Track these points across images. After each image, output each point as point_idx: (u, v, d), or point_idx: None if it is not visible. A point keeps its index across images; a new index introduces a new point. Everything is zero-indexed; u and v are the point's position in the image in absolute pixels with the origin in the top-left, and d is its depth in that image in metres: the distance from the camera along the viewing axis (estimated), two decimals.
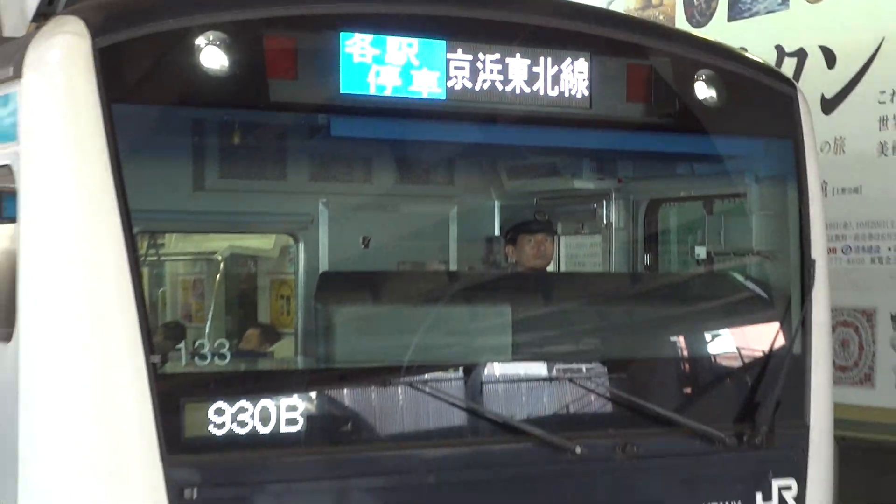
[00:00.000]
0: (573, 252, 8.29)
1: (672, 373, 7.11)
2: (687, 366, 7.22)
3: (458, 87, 6.21)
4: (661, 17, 12.42)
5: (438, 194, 8.05)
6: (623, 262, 8.19)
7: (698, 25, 12.09)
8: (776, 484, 6.82)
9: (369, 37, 6.03)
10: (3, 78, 5.96)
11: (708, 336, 7.34)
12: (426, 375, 6.21)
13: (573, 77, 6.48)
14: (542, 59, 6.40)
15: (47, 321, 5.61)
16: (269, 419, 5.72)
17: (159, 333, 5.78)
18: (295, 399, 5.82)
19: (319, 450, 5.89)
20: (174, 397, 5.54)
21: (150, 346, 5.48)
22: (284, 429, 5.75)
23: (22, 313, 5.69)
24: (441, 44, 6.18)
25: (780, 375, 6.85)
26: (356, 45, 6.01)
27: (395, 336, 6.59)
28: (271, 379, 6.05)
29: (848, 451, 9.48)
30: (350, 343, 6.67)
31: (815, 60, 11.23)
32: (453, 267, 8.00)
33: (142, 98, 5.70)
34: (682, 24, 12.18)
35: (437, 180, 7.90)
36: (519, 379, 6.54)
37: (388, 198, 7.94)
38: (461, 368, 6.38)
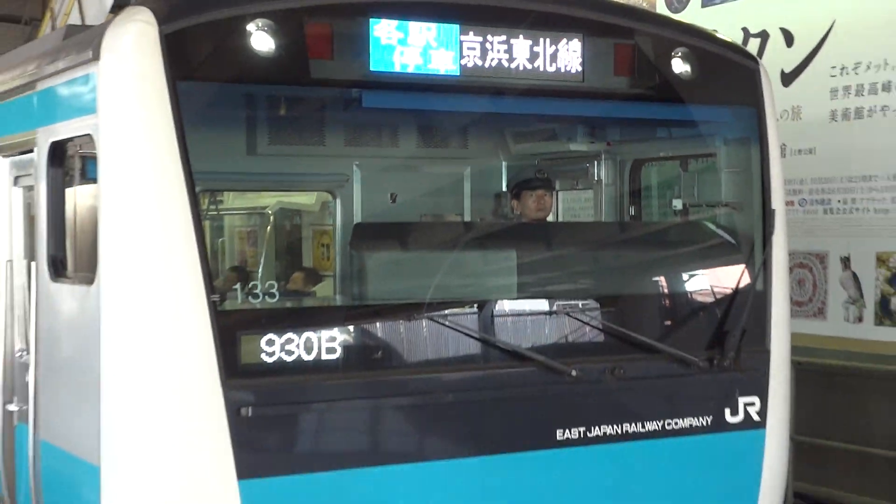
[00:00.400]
0: (569, 205, 8.28)
1: (653, 307, 7.11)
2: (666, 301, 7.22)
3: (469, 65, 6.19)
4: (643, 3, 12.36)
5: (454, 157, 8.03)
6: (611, 213, 8.17)
7: (676, 11, 12.03)
8: (742, 401, 6.83)
9: (394, 22, 6.00)
10: (84, 60, 5.96)
11: (683, 276, 7.34)
12: (444, 311, 6.21)
13: (568, 55, 6.45)
14: (541, 40, 6.37)
15: (123, 268, 5.62)
16: (311, 348, 5.74)
17: (219, 277, 5.78)
18: (333, 331, 5.83)
19: (354, 374, 5.91)
20: (231, 330, 5.56)
21: (210, 288, 5.50)
22: (325, 356, 5.77)
23: (102, 261, 5.70)
24: (455, 27, 6.15)
25: (745, 309, 6.85)
26: (383, 30, 5.99)
27: (418, 277, 6.60)
28: (314, 314, 6.05)
29: (802, 373, 9.48)
30: (380, 283, 6.68)
31: (776, 40, 11.17)
32: (467, 218, 8.00)
33: (202, 76, 5.70)
34: (662, 9, 12.15)
35: (453, 145, 7.89)
36: (523, 313, 6.54)
37: (412, 160, 7.94)
38: (474, 304, 6.38)
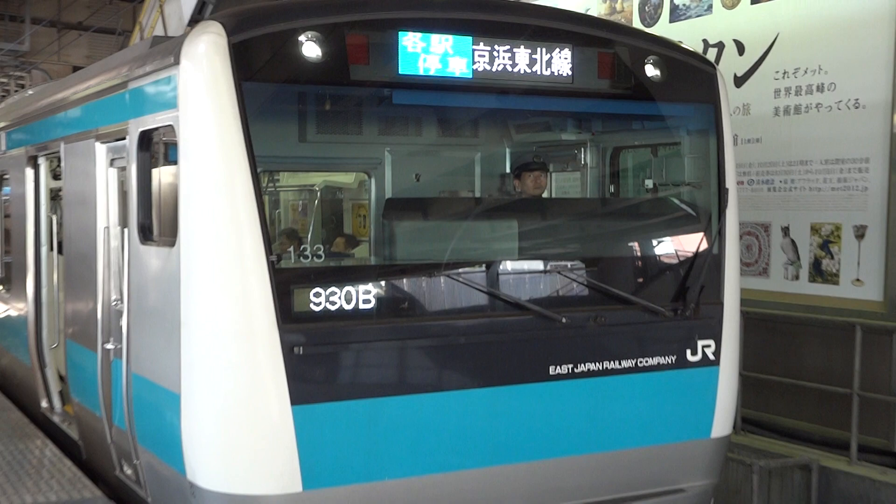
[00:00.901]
0: (561, 184, 8.25)
1: (628, 266, 7.12)
2: (638, 262, 7.22)
3: (480, 69, 6.17)
4: (622, 19, 12.27)
5: (467, 144, 8.02)
6: (595, 190, 8.15)
7: (649, 25, 11.94)
8: (700, 344, 6.84)
9: (419, 34, 5.99)
10: (167, 64, 6.01)
11: (653, 241, 7.33)
12: (459, 269, 6.23)
13: (560, 61, 6.43)
14: (538, 49, 6.36)
15: (198, 234, 5.68)
16: (350, 299, 5.77)
17: (276, 241, 5.82)
18: (368, 286, 5.86)
19: (385, 320, 5.94)
20: (286, 284, 5.60)
21: (269, 250, 5.54)
22: (361, 306, 5.80)
23: (182, 228, 5.77)
24: (469, 39, 6.14)
25: (703, 268, 6.87)
26: (410, 40, 5.98)
27: (437, 242, 6.62)
28: (352, 272, 6.08)
29: (749, 321, 9.48)
30: (406, 247, 6.70)
31: (730, 50, 11.11)
32: (477, 195, 7.98)
33: (262, 78, 5.71)
34: (637, 23, 12.06)
35: (466, 134, 7.88)
36: (522, 271, 6.56)
37: (432, 147, 7.93)
38: (483, 264, 6.38)
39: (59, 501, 6.78)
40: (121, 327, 6.85)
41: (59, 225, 8.99)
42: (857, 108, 9.89)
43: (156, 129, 6.33)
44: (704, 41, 11.30)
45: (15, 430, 8.79)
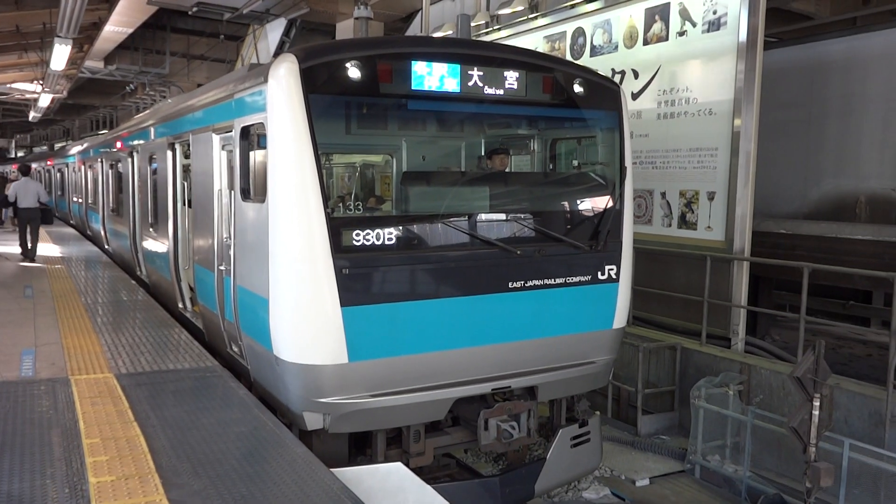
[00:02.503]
0: (517, 163, 8.14)
1: (560, 217, 7.03)
2: (568, 214, 7.12)
3: (465, 86, 6.08)
4: (559, 54, 12.08)
5: (456, 136, 7.90)
6: (540, 168, 8.04)
7: (576, 57, 11.76)
8: (607, 268, 6.82)
9: (425, 63, 5.89)
10: (259, 82, 5.92)
11: (577, 201, 7.24)
12: (451, 218, 6.16)
13: (517, 81, 6.33)
14: (503, 73, 6.25)
15: (281, 194, 5.61)
16: (379, 238, 5.73)
17: (330, 199, 5.77)
18: (390, 229, 5.81)
19: (402, 252, 5.87)
20: (337, 228, 5.56)
21: (326, 205, 5.51)
22: (386, 242, 5.76)
23: (269, 190, 5.70)
24: (457, 66, 6.04)
25: (610, 219, 6.82)
26: (419, 66, 5.88)
27: (436, 199, 6.53)
28: (380, 220, 6.01)
29: (639, 253, 9.45)
30: (416, 203, 6.62)
31: (629, 75, 10.97)
32: (463, 170, 7.87)
33: (321, 91, 5.59)
34: (569, 57, 11.86)
35: (455, 130, 7.76)
36: (492, 220, 6.48)
37: (433, 138, 7.81)
38: (466, 215, 6.30)
39: (191, 368, 6.79)
40: (230, 255, 6.80)
41: (189, 188, 8.91)
42: (710, 114, 9.82)
43: (252, 125, 6.23)
44: (612, 69, 11.16)
45: (161, 322, 8.79)
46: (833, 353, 11.50)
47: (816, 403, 6.02)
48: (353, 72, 5.62)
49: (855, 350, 12.09)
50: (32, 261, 13.94)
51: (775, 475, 8.13)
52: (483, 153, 7.72)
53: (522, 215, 6.65)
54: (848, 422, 7.73)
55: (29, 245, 14.04)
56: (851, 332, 12.46)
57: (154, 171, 10.72)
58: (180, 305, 9.49)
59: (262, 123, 5.86)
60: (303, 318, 5.61)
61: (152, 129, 10.94)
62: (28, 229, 14.00)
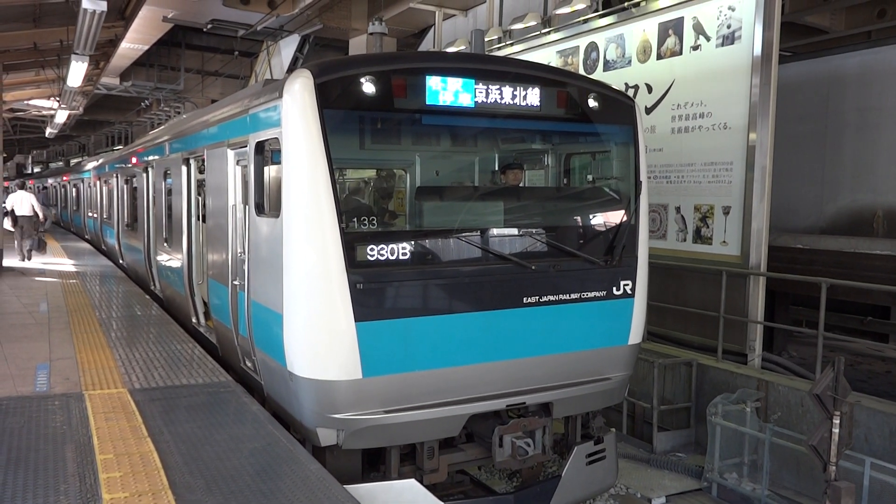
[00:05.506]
0: (531, 178, 8.11)
1: (575, 232, 6.99)
2: (582, 229, 7.09)
3: (479, 101, 6.08)
4: (572, 69, 12.09)
5: (470, 151, 7.86)
6: (555, 182, 8.01)
7: (590, 72, 11.77)
8: (622, 283, 6.78)
9: (439, 77, 5.89)
10: (274, 97, 5.93)
11: (592, 216, 7.21)
12: (464, 233, 6.15)
13: (532, 96, 6.32)
14: (518, 87, 6.25)
15: (295, 209, 5.59)
16: (394, 252, 5.71)
17: (345, 214, 5.75)
18: (404, 244, 5.79)
19: (416, 267, 5.84)
20: (351, 243, 5.53)
21: (340, 220, 5.49)
22: (400, 257, 5.74)
23: (283, 205, 5.69)
24: (472, 81, 6.03)
25: (625, 233, 6.78)
26: (433, 81, 5.88)
27: (450, 214, 6.49)
28: (394, 235, 5.98)
29: (654, 268, 9.35)
30: (430, 218, 6.60)
31: (643, 90, 10.98)
32: (476, 184, 7.84)
33: (336, 106, 5.59)
34: (582, 72, 11.87)
35: (469, 144, 7.72)
36: (506, 235, 6.45)
37: (447, 152, 7.78)
38: (480, 230, 6.28)
39: (204, 383, 6.79)
40: (244, 270, 6.81)
41: (203, 203, 8.94)
42: (725, 129, 9.79)
43: (266, 140, 6.24)
44: (626, 84, 11.15)
45: (175, 336, 8.80)
46: (851, 370, 11.37)
47: (836, 421, 5.92)
48: (368, 87, 5.63)
49: (874, 366, 11.95)
50: (28, 259, 16.62)
51: (794, 494, 8.00)
52: (497, 168, 7.70)
53: (536, 230, 6.61)
54: (868, 440, 7.60)
55: (25, 248, 16.66)
56: (869, 348, 12.31)
57: (168, 187, 10.79)
58: (194, 320, 9.50)
59: (276, 138, 5.86)
60: (317, 334, 5.58)
61: (167, 145, 11.02)
62: (22, 231, 16.67)
